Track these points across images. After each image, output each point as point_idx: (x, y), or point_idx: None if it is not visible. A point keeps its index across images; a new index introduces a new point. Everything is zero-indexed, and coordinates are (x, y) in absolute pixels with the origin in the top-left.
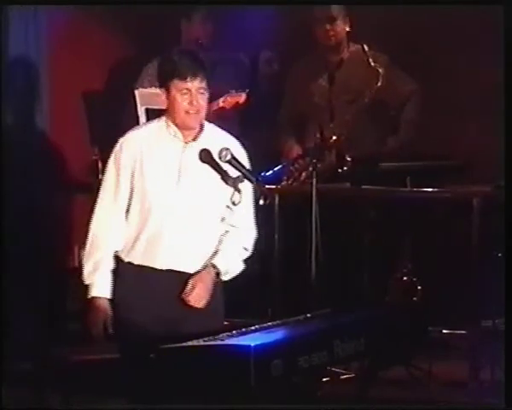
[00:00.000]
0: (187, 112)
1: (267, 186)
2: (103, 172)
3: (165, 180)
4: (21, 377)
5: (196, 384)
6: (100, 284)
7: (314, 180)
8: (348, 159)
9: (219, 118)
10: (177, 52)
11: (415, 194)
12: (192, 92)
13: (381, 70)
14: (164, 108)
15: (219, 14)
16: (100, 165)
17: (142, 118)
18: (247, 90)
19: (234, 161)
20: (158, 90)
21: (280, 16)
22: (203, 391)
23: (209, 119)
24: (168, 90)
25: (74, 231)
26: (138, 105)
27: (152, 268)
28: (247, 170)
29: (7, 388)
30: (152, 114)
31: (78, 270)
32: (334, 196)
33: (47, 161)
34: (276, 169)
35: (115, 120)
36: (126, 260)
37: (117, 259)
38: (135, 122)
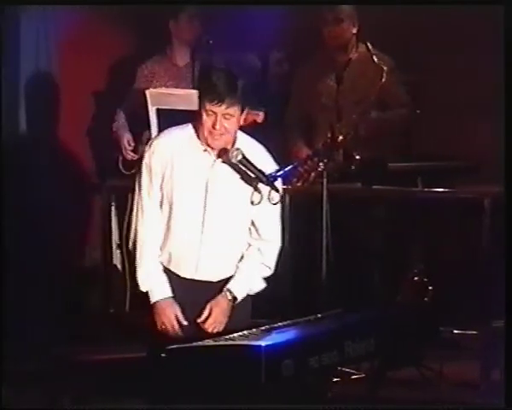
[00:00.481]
0: (210, 132)
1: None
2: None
3: (192, 194)
4: (31, 378)
5: (207, 384)
6: (158, 287)
7: (325, 180)
8: (357, 157)
9: None
10: (216, 71)
11: (426, 194)
12: (217, 116)
13: (385, 67)
14: (178, 108)
15: (220, 15)
16: None
17: (153, 118)
18: (264, 109)
19: (245, 161)
20: (168, 91)
21: (287, 16)
22: (214, 391)
23: None
24: (200, 106)
25: (85, 231)
26: (149, 105)
27: (176, 275)
28: (259, 170)
29: (7, 388)
30: (163, 114)
31: (90, 269)
32: (345, 197)
33: (57, 161)
34: (286, 169)
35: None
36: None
37: None
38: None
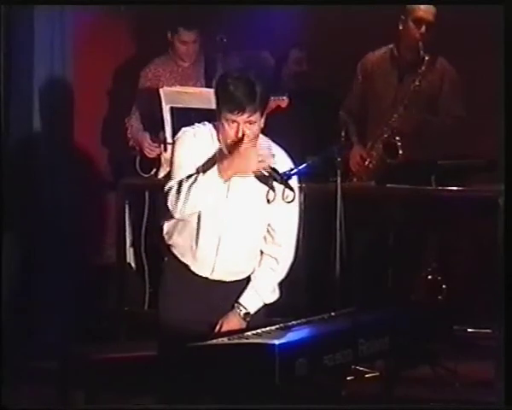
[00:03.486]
0: (233, 141)
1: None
2: None
3: (212, 197)
4: (45, 376)
5: (220, 383)
6: None
7: (339, 179)
8: (399, 150)
9: None
10: (233, 79)
11: (440, 192)
12: (240, 124)
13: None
14: (192, 106)
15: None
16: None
17: (167, 116)
18: (287, 94)
19: None
20: (182, 89)
21: (306, 16)
22: (227, 390)
23: None
24: (219, 114)
25: (101, 229)
26: (163, 104)
27: (191, 271)
28: (273, 169)
29: (20, 385)
30: (177, 113)
31: (104, 268)
32: (359, 195)
33: (72, 159)
34: (300, 167)
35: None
36: (169, 242)
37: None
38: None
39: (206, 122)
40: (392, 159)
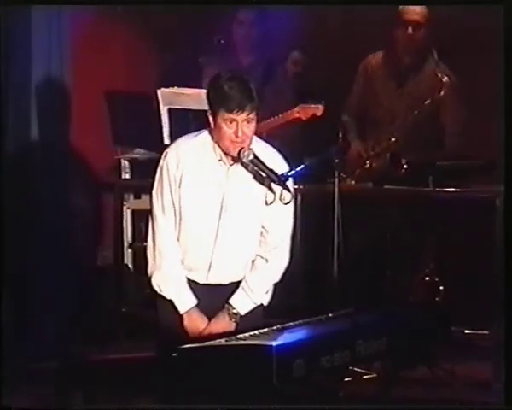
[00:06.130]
0: (232, 141)
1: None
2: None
3: (208, 203)
4: (42, 377)
5: (218, 384)
6: (183, 299)
7: (336, 180)
8: (404, 164)
9: None
10: (227, 79)
11: (437, 194)
12: (238, 123)
13: (444, 80)
14: (189, 108)
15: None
16: (123, 164)
17: (165, 117)
18: (323, 102)
19: (256, 161)
20: (180, 90)
21: (304, 17)
22: (225, 391)
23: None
24: (215, 116)
25: (98, 230)
26: (161, 105)
27: (187, 278)
28: (271, 170)
29: (16, 386)
30: (174, 114)
31: (102, 269)
32: (357, 196)
33: (70, 160)
34: (298, 169)
35: (137, 120)
36: None
37: None
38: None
39: (199, 132)
40: (396, 169)
